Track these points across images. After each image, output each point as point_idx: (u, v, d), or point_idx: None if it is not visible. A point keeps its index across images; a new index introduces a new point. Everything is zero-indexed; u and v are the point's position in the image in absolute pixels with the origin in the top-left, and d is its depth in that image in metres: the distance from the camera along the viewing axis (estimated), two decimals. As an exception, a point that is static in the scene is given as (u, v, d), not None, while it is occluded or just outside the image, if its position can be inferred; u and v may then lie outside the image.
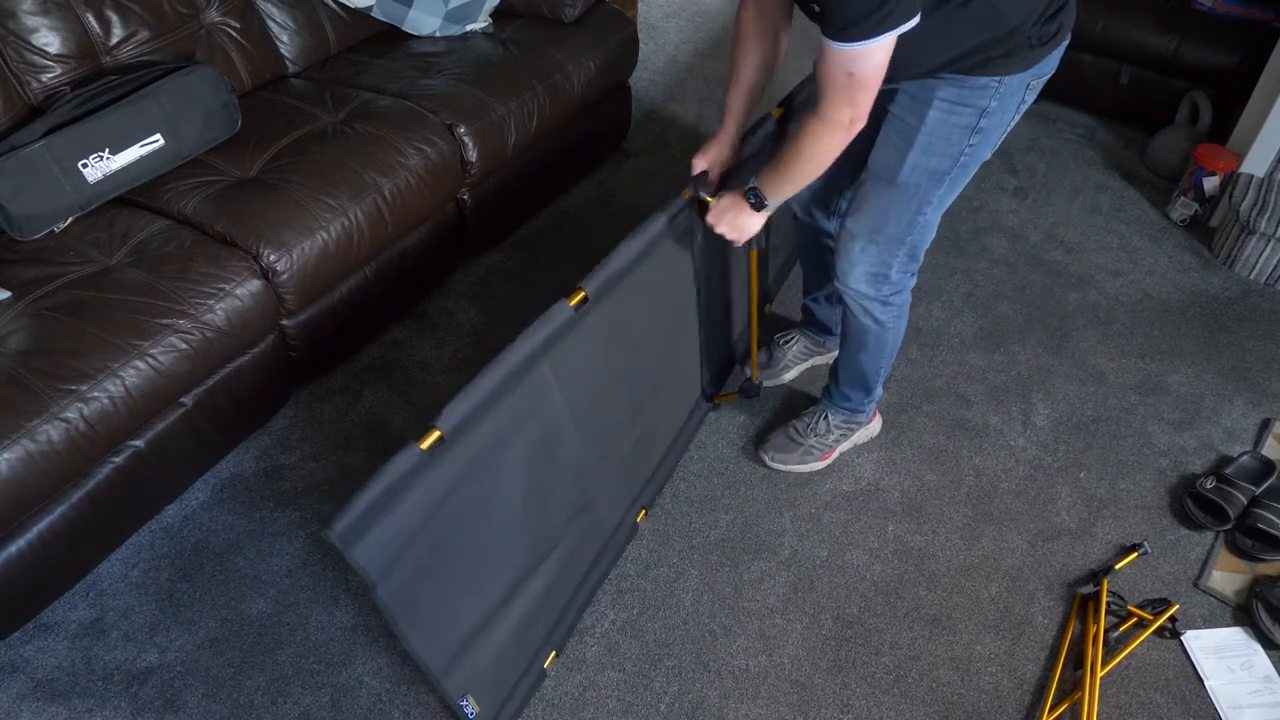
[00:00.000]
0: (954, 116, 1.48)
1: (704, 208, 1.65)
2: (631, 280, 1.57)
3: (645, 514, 1.90)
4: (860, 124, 1.36)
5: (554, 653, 1.65)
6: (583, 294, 1.44)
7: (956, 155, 1.52)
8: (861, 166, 1.62)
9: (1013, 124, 1.55)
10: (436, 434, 1.23)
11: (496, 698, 1.52)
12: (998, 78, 1.44)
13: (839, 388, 1.94)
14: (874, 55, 1.25)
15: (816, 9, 1.26)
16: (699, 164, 1.68)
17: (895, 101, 1.53)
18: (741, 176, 1.67)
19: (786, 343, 2.18)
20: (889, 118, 1.54)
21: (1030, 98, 1.52)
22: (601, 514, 1.73)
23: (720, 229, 1.62)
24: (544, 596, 1.59)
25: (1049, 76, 1.52)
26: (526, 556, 1.53)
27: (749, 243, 1.69)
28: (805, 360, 2.20)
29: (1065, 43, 1.49)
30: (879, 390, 1.93)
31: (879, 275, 1.67)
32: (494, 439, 1.35)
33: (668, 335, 1.83)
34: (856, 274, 1.68)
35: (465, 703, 1.44)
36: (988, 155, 1.58)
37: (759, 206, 1.56)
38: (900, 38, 1.25)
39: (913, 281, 1.75)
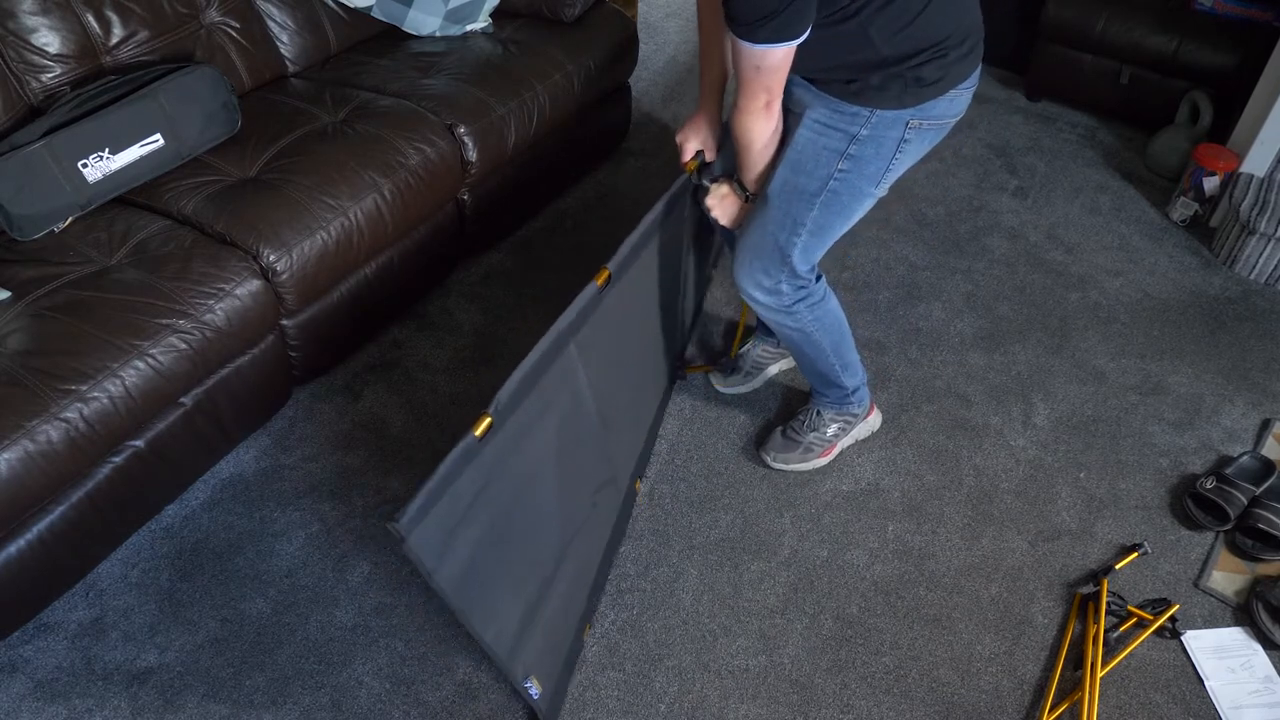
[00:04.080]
0: (823, 138, 1.54)
1: (702, 191, 1.76)
2: (643, 257, 1.65)
3: (640, 483, 1.94)
4: (776, 104, 1.46)
5: (588, 625, 1.67)
6: (608, 273, 1.50)
7: (825, 178, 1.55)
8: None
9: (896, 163, 1.57)
10: (488, 420, 1.24)
11: (552, 674, 1.54)
12: (870, 109, 1.50)
13: (813, 386, 1.96)
14: (776, 53, 1.35)
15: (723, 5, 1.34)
16: (690, 146, 1.75)
17: None
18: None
19: (743, 349, 2.18)
20: None
21: (914, 138, 1.54)
22: (619, 484, 1.78)
23: (715, 213, 1.74)
24: (581, 569, 1.62)
25: (945, 121, 1.55)
26: (565, 531, 1.56)
27: None
28: (771, 363, 2.17)
29: (958, 91, 1.51)
30: (851, 381, 1.91)
31: (770, 289, 1.69)
32: (531, 420, 1.38)
33: (658, 308, 1.87)
34: (748, 286, 1.69)
35: (530, 684, 1.45)
36: (871, 190, 1.59)
37: (745, 197, 1.68)
38: None
39: (817, 286, 1.74)
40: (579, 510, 1.61)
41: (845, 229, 1.65)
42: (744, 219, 1.71)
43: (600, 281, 1.49)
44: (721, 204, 1.73)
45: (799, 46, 1.36)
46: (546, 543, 1.51)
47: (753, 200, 1.67)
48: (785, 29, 1.30)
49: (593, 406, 1.59)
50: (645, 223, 1.60)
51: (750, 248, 1.66)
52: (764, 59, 1.35)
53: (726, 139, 1.75)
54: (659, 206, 1.64)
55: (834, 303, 1.79)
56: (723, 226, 1.89)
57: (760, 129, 1.50)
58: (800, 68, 1.46)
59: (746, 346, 2.18)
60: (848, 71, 1.47)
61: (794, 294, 1.70)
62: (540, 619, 1.49)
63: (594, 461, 1.65)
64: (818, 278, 1.74)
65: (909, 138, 1.54)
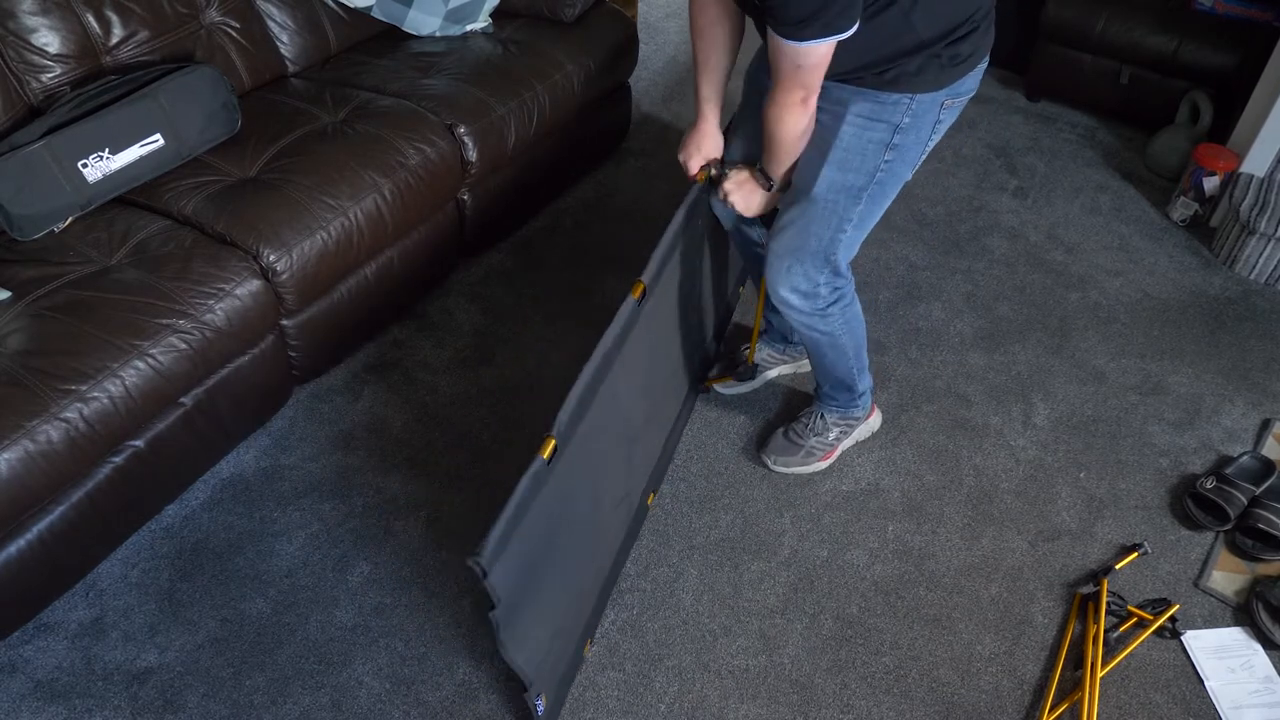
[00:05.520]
0: (868, 132, 1.51)
1: (720, 180, 1.70)
2: (668, 269, 1.62)
3: (653, 497, 1.92)
4: (813, 99, 1.43)
5: (590, 639, 1.67)
6: (643, 286, 1.48)
7: (872, 171, 1.54)
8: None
9: (931, 144, 1.57)
10: (553, 443, 1.23)
11: (554, 688, 1.54)
12: (910, 95, 1.48)
13: (823, 390, 1.94)
14: (818, 50, 1.32)
15: (757, 3, 1.31)
16: (694, 164, 1.71)
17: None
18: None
19: (747, 350, 2.18)
20: None
21: (946, 117, 1.55)
22: (632, 498, 1.77)
23: (734, 199, 1.68)
24: (590, 585, 1.62)
25: (968, 98, 1.55)
26: (592, 553, 1.55)
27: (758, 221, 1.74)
28: (772, 368, 2.17)
29: (982, 65, 1.53)
30: (863, 384, 1.92)
31: (808, 293, 1.68)
32: (588, 441, 1.37)
33: (679, 321, 1.86)
34: (786, 292, 1.68)
35: (539, 701, 1.45)
36: (908, 175, 1.60)
37: (768, 186, 1.63)
38: None
39: (850, 287, 1.74)
40: (604, 529, 1.60)
41: (880, 216, 1.65)
42: (776, 223, 1.66)
43: (636, 295, 1.46)
44: (741, 190, 1.66)
45: (841, 46, 1.33)
46: (584, 565, 1.50)
47: (778, 189, 1.63)
48: (833, 24, 1.27)
49: (630, 423, 1.58)
50: (669, 233, 1.57)
51: (790, 252, 1.63)
52: (806, 57, 1.32)
53: (736, 134, 1.74)
54: (679, 216, 1.60)
55: (858, 304, 1.78)
56: (743, 256, 1.87)
57: (794, 123, 1.46)
58: (837, 66, 1.42)
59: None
60: (884, 63, 1.44)
61: (830, 295, 1.69)
62: (558, 638, 1.48)
63: (621, 479, 1.64)
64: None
65: (942, 118, 1.53)
